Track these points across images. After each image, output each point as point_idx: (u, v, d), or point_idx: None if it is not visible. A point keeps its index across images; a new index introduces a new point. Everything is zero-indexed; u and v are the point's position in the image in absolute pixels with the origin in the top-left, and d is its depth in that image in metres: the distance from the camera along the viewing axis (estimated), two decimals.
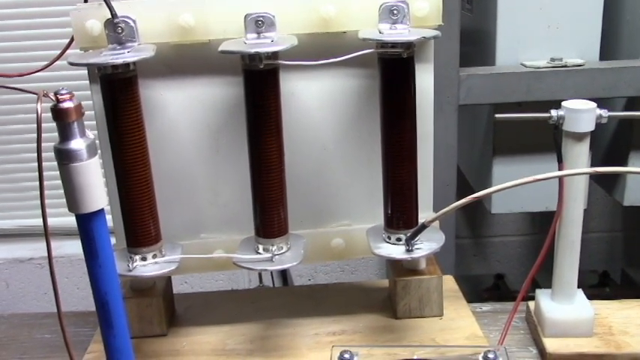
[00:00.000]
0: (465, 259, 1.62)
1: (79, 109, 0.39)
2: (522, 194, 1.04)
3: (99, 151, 0.43)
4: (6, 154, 1.59)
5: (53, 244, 1.45)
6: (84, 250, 0.41)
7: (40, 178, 0.40)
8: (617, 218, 1.60)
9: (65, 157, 0.39)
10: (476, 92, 0.95)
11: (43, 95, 0.37)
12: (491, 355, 0.52)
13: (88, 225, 0.40)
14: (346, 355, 0.53)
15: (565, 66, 0.96)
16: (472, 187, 1.15)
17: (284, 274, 1.37)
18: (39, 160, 0.39)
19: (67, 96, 0.38)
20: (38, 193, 1.51)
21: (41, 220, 1.49)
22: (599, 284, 1.39)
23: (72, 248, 1.56)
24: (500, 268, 1.61)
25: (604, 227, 1.61)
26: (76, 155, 0.39)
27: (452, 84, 0.95)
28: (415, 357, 0.57)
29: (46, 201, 1.55)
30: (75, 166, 0.39)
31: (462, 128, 1.01)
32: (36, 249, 1.59)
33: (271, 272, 1.41)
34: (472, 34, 1.09)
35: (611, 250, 1.63)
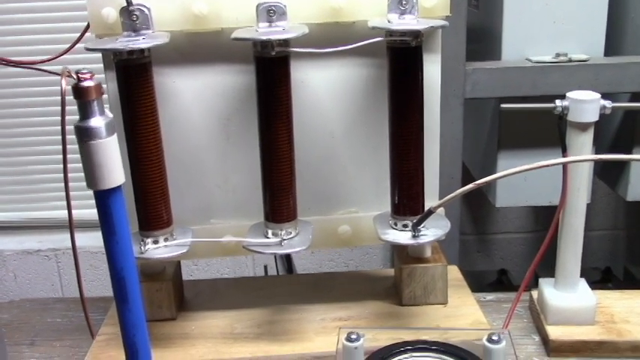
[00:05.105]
0: (469, 256, 1.63)
1: (98, 88, 0.40)
2: (526, 188, 1.06)
3: None
4: (14, 146, 1.61)
5: (60, 236, 1.46)
6: (101, 227, 0.42)
7: (64, 157, 0.42)
8: (619, 216, 1.61)
9: (85, 135, 0.40)
10: (482, 86, 0.97)
11: (67, 75, 0.39)
12: (495, 337, 0.53)
13: (106, 201, 0.42)
14: (353, 336, 0.54)
15: (570, 61, 0.97)
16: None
17: (289, 267, 1.38)
18: (63, 138, 0.40)
19: (88, 75, 0.40)
20: (46, 185, 1.54)
21: (48, 212, 1.52)
22: (602, 280, 1.40)
23: (78, 241, 1.57)
24: (503, 264, 1.62)
25: (607, 225, 1.62)
26: (96, 133, 0.40)
27: (458, 78, 0.96)
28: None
29: (52, 194, 1.58)
30: (94, 143, 0.40)
31: (466, 123, 1.03)
32: (43, 241, 1.60)
33: (276, 265, 1.43)
34: (478, 31, 1.10)
35: (613, 247, 1.63)
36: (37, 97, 1.56)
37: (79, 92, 0.40)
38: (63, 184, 1.73)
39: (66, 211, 1.64)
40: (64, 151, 0.44)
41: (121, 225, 0.42)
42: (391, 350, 0.52)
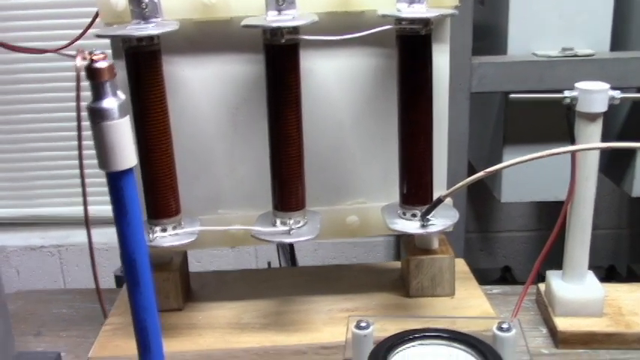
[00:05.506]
0: (472, 254, 1.63)
1: (111, 70, 0.40)
2: (532, 183, 1.05)
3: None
4: (17, 143, 1.61)
5: (63, 232, 1.45)
6: (113, 209, 0.42)
7: (79, 141, 0.41)
8: (623, 214, 1.61)
9: (98, 116, 0.40)
10: (488, 80, 0.97)
11: (81, 57, 0.39)
12: (505, 326, 0.53)
13: (118, 183, 0.41)
14: (363, 324, 0.54)
15: (576, 56, 0.97)
16: (482, 179, 1.16)
17: (293, 263, 1.38)
18: (78, 121, 0.40)
19: (102, 56, 0.40)
20: (50, 182, 1.53)
21: (52, 209, 1.52)
22: (606, 278, 1.40)
23: (82, 237, 1.57)
24: (506, 263, 1.62)
25: (610, 224, 1.61)
26: (108, 114, 0.40)
27: (464, 72, 0.96)
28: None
29: (55, 190, 1.56)
30: (107, 124, 0.40)
31: (470, 121, 1.03)
32: (46, 237, 1.60)
33: (280, 262, 1.43)
34: (483, 28, 1.10)
35: (616, 246, 1.63)
36: (39, 94, 1.56)
37: (92, 73, 0.40)
38: (67, 182, 1.73)
39: (69, 208, 1.65)
40: (79, 134, 0.44)
41: (132, 207, 0.42)
42: (401, 338, 0.52)
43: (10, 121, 1.59)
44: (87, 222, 0.54)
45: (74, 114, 1.62)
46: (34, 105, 1.58)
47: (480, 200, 1.56)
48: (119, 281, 1.33)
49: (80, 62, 0.38)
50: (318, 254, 1.62)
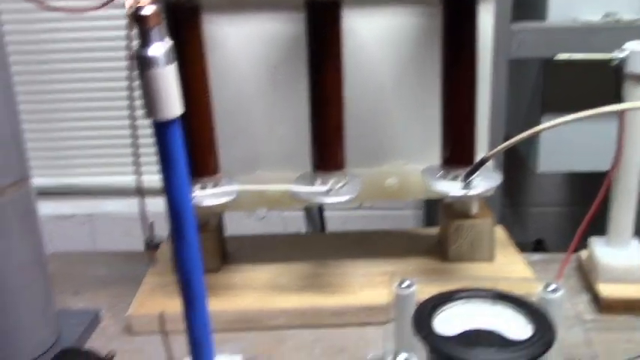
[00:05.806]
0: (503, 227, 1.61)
1: (158, 16, 0.39)
2: (571, 153, 1.03)
3: None
4: (49, 113, 1.61)
5: (95, 202, 1.45)
6: (160, 160, 0.42)
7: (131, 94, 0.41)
8: None
9: (144, 63, 0.39)
10: (527, 46, 0.94)
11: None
12: (552, 287, 0.51)
13: (165, 132, 0.41)
14: (406, 283, 0.53)
15: (619, 21, 0.94)
16: (517, 148, 1.14)
17: (322, 228, 1.38)
18: (129, 71, 0.39)
19: (148, 1, 0.39)
20: (82, 152, 1.52)
21: (84, 178, 1.51)
22: None
23: (112, 206, 1.58)
24: (538, 237, 1.59)
25: None
26: (155, 61, 0.39)
27: (503, 37, 0.93)
28: None
29: (87, 160, 1.55)
30: (153, 72, 0.40)
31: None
32: (79, 206, 1.61)
33: (306, 228, 1.43)
34: None
35: None
36: (72, 64, 1.56)
37: (139, 19, 0.39)
38: (99, 151, 1.72)
39: (101, 178, 1.65)
40: (131, 86, 0.43)
41: (179, 157, 0.42)
42: (446, 297, 0.51)
43: (43, 90, 1.60)
44: (138, 184, 0.54)
45: (108, 84, 1.61)
46: (67, 75, 1.58)
47: (511, 174, 1.54)
48: (149, 249, 1.34)
49: (131, 4, 0.37)
50: (347, 226, 1.61)
